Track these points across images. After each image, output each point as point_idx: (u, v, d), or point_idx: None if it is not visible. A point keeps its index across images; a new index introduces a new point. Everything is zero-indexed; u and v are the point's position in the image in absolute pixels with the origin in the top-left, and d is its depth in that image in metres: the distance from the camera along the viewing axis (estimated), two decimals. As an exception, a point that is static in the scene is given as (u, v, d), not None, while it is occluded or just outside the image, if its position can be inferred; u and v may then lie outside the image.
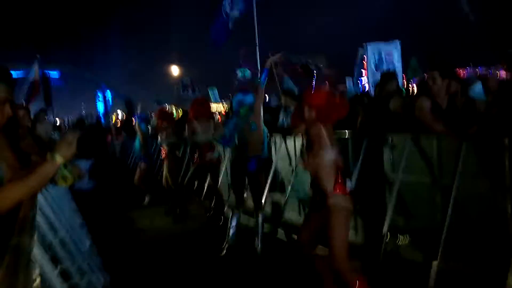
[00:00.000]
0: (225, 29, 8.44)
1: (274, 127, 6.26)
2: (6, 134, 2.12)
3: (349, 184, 2.86)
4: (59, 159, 1.60)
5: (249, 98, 4.36)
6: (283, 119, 6.12)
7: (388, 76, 4.82)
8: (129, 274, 3.89)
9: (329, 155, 2.77)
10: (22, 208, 1.57)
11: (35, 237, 1.42)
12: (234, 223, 4.39)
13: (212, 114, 5.94)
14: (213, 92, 15.48)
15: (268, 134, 4.65)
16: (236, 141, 4.37)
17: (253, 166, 4.29)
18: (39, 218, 2.77)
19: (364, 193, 3.93)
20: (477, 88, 4.48)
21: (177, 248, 4.63)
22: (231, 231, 4.38)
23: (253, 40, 9.90)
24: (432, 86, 3.76)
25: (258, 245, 4.25)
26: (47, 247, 2.56)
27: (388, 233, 3.71)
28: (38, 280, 1.72)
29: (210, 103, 6.44)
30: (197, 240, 4.86)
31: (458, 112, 3.79)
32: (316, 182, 2.84)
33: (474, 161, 3.27)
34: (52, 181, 1.71)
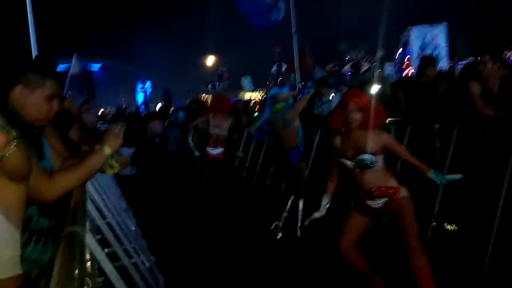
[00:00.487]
0: (265, 15, 8.35)
1: (310, 115, 6.21)
2: (56, 126, 2.22)
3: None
4: (107, 150, 1.66)
5: (284, 91, 4.42)
6: (319, 108, 6.06)
7: (427, 61, 4.65)
8: (173, 256, 4.00)
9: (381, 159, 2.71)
10: (73, 197, 1.64)
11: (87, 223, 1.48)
12: (301, 207, 4.39)
13: (229, 111, 5.88)
14: (247, 81, 15.58)
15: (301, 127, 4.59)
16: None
17: (293, 158, 4.33)
18: (87, 203, 2.90)
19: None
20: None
21: (219, 231, 4.72)
22: (300, 216, 4.35)
23: (290, 30, 9.80)
24: (483, 70, 3.58)
25: (299, 232, 4.29)
26: (95, 231, 2.69)
27: (435, 222, 3.59)
28: (88, 264, 1.80)
29: (229, 99, 6.45)
30: (238, 223, 4.92)
31: (510, 97, 3.59)
32: (369, 184, 2.71)
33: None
34: (100, 170, 1.78)
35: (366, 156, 2.65)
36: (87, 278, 0.88)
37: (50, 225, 1.57)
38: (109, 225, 3.14)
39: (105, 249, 2.87)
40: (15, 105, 1.49)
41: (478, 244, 3.14)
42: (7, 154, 1.12)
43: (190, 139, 5.90)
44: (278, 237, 4.39)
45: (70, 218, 1.29)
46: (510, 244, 3.10)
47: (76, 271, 0.75)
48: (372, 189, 2.68)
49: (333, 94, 5.93)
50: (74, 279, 0.72)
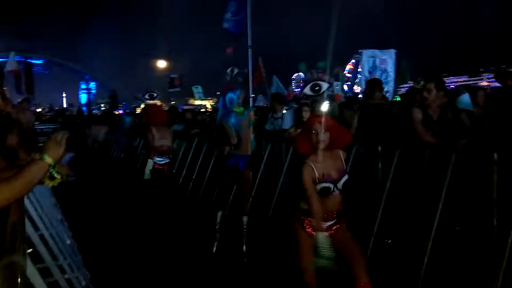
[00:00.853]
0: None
1: (261, 130, 6.24)
2: None
3: None
4: (48, 159, 1.53)
5: (237, 95, 4.29)
6: (271, 124, 6.09)
7: (375, 84, 4.80)
8: (110, 272, 3.79)
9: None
10: (10, 216, 1.48)
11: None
12: (245, 222, 4.32)
13: (166, 120, 5.68)
14: (198, 90, 15.47)
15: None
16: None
17: (241, 165, 4.24)
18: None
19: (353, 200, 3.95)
20: (465, 99, 4.55)
21: (160, 245, 4.54)
22: (218, 232, 4.34)
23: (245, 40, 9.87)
24: (427, 97, 3.79)
25: (244, 247, 4.23)
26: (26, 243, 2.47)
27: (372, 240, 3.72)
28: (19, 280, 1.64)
29: (162, 108, 6.31)
30: (181, 238, 4.76)
31: (449, 124, 3.85)
32: (331, 207, 2.71)
33: (463, 173, 3.31)
34: (39, 181, 1.63)
35: (344, 179, 2.68)
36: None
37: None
38: (41, 237, 2.92)
39: (38, 265, 2.66)
40: None
41: (414, 260, 3.29)
42: None
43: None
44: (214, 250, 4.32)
45: (9, 245, 1.14)
46: (443, 264, 3.28)
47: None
48: (329, 212, 2.69)
49: (284, 111, 6.00)
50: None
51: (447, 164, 3.37)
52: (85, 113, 23.11)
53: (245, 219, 4.32)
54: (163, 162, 5.43)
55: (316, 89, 4.86)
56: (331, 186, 2.65)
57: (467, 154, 3.35)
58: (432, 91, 3.78)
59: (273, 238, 4.60)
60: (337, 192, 2.67)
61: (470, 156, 3.36)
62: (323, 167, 2.66)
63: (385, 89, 8.04)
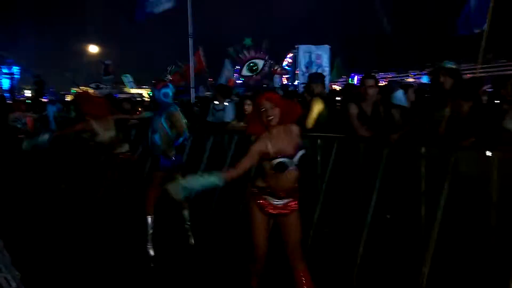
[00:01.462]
0: (145, 6, 7.97)
1: (203, 122, 6.19)
2: None
3: None
4: None
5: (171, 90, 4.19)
6: (213, 116, 6.06)
7: (316, 77, 5.01)
8: (42, 271, 3.57)
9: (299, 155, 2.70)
10: None
11: None
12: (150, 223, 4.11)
13: (108, 110, 5.13)
14: (127, 79, 14.86)
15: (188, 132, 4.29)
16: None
17: (166, 164, 4.07)
18: None
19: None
20: (399, 95, 4.87)
21: (91, 241, 4.34)
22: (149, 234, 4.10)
23: (183, 30, 9.70)
24: (366, 92, 4.00)
25: (191, 240, 4.24)
26: None
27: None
28: None
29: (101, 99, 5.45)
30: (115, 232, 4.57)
31: (380, 119, 4.11)
32: (286, 184, 2.69)
33: (395, 166, 3.57)
34: None
35: (300, 154, 2.67)
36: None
37: None
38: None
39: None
40: None
41: (350, 248, 3.50)
42: None
43: None
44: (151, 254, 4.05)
45: None
46: (377, 251, 3.52)
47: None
48: (285, 189, 2.69)
49: (226, 103, 6.01)
50: None
51: (380, 157, 3.61)
52: (7, 100, 21.20)
53: (186, 213, 4.26)
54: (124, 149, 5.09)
55: (253, 68, 4.86)
56: (287, 161, 2.63)
57: (398, 148, 3.60)
58: (373, 87, 4.00)
59: (218, 229, 4.60)
60: (293, 167, 2.66)
61: (400, 149, 3.62)
62: (277, 143, 2.63)
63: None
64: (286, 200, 2.72)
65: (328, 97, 5.21)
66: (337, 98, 6.16)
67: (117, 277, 3.59)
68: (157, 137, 4.02)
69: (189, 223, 4.28)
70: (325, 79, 7.95)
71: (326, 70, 8.26)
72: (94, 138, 4.89)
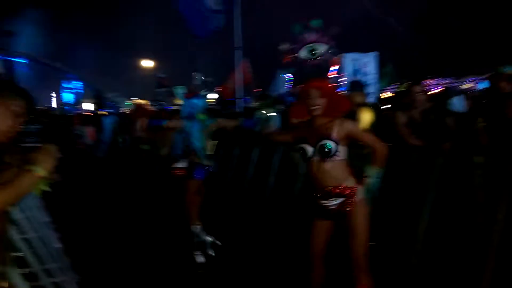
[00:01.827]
0: (205, 22, 8.32)
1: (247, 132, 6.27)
2: None
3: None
4: (41, 172, 1.52)
5: (202, 103, 4.23)
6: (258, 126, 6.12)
7: (355, 86, 4.79)
8: (98, 275, 3.76)
9: (344, 150, 2.53)
10: None
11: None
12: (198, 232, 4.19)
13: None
14: (180, 91, 15.24)
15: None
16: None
17: (198, 173, 4.11)
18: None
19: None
20: (455, 101, 4.64)
21: (148, 247, 4.52)
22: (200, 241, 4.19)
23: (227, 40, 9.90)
24: (414, 100, 3.87)
25: (201, 258, 4.08)
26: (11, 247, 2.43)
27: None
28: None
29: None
30: (168, 243, 4.70)
31: (432, 127, 3.93)
32: (326, 180, 2.53)
33: (448, 176, 3.39)
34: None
35: (329, 142, 2.48)
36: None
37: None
38: (28, 240, 2.88)
39: (23, 269, 2.62)
40: None
41: (402, 260, 3.35)
42: None
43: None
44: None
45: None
46: (431, 262, 3.36)
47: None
48: (330, 188, 2.50)
49: (273, 114, 6.05)
50: None
51: (433, 167, 3.45)
52: (69, 113, 22.75)
53: (196, 229, 4.16)
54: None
55: (313, 53, 4.79)
56: (307, 147, 2.52)
57: (452, 157, 3.43)
58: (419, 94, 3.86)
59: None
60: (335, 157, 2.49)
61: (454, 159, 3.44)
62: (313, 133, 2.53)
63: (369, 91, 8.17)
64: (338, 200, 2.50)
65: (374, 105, 5.07)
66: (384, 107, 5.98)
67: (167, 283, 3.69)
68: (193, 146, 4.09)
69: (198, 239, 4.16)
70: (371, 86, 7.79)
71: (373, 77, 8.03)
72: (158, 151, 5.19)
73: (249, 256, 4.12)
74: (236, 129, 6.81)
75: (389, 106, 6.03)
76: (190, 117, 4.12)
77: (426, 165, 3.52)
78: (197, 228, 4.13)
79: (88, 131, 13.31)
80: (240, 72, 9.82)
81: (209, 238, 4.18)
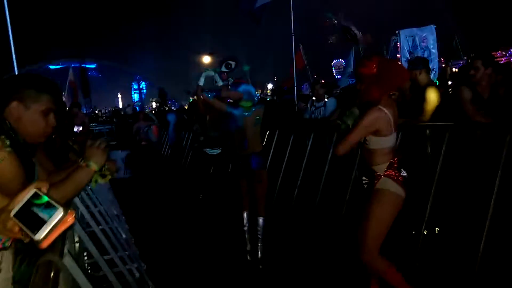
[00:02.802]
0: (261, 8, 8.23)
1: (300, 120, 6.20)
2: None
3: (404, 173, 2.59)
4: (93, 166, 1.64)
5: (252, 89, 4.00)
6: (312, 114, 6.00)
7: (417, 63, 4.37)
8: (163, 264, 3.98)
9: (392, 136, 2.52)
10: None
11: (67, 246, 1.41)
12: (246, 224, 4.04)
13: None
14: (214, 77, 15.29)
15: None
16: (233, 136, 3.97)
17: (255, 163, 3.87)
18: (82, 209, 2.89)
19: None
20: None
21: (208, 240, 4.69)
22: (247, 235, 4.04)
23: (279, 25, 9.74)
24: (475, 75, 3.59)
25: (259, 252, 3.94)
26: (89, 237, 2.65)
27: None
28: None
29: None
30: (228, 236, 4.71)
31: (500, 103, 3.61)
32: (364, 160, 2.63)
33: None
34: (88, 183, 1.76)
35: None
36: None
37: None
38: (103, 231, 3.13)
39: (90, 259, 2.86)
40: (11, 122, 1.45)
41: (469, 247, 3.14)
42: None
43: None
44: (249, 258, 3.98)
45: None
46: (501, 246, 3.12)
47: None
48: (365, 166, 2.60)
49: (326, 99, 5.91)
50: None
51: (502, 144, 3.17)
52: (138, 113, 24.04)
53: (260, 221, 3.96)
54: (215, 153, 5.49)
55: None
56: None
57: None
58: (480, 69, 3.56)
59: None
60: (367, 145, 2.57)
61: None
62: (393, 114, 2.47)
63: (430, 67, 7.58)
64: (365, 180, 2.65)
65: (440, 83, 4.73)
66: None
67: (226, 273, 3.76)
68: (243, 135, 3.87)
69: (260, 233, 3.97)
70: (432, 62, 7.28)
71: (433, 52, 7.49)
72: (208, 132, 5.34)
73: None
74: (292, 117, 6.78)
75: (455, 82, 5.63)
76: (235, 104, 3.93)
77: (493, 144, 3.24)
78: (246, 216, 4.04)
79: (154, 128, 13.98)
80: (297, 59, 9.65)
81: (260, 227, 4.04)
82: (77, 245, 2.47)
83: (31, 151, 1.56)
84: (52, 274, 0.89)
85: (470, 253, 3.07)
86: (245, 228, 4.04)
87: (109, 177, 1.93)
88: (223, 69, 4.42)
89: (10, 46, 5.58)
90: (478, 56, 3.69)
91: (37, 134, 1.54)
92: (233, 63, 4.46)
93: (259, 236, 3.93)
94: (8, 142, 1.15)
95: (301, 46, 10.16)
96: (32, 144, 1.55)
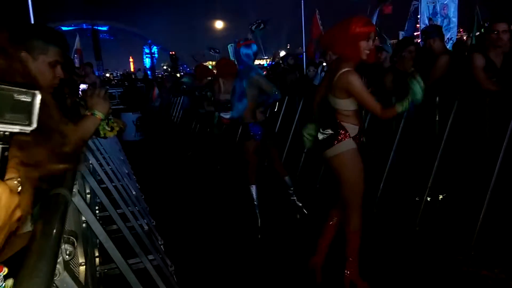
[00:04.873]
0: None
1: (309, 86, 6.16)
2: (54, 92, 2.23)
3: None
4: (98, 114, 1.70)
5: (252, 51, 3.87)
6: (320, 77, 5.94)
7: (431, 32, 4.22)
8: (172, 221, 4.14)
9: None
10: None
11: (77, 186, 1.48)
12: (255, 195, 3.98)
13: (234, 73, 5.52)
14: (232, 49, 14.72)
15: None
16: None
17: (257, 131, 3.85)
18: (95, 163, 2.99)
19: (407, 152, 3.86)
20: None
21: (217, 201, 4.82)
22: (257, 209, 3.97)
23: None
24: (495, 38, 3.48)
25: (299, 205, 4.10)
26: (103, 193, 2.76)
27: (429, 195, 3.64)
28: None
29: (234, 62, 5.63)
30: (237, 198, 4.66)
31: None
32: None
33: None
34: (97, 134, 1.82)
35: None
36: (68, 237, 0.93)
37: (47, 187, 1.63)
38: (115, 187, 3.25)
39: (102, 213, 2.99)
40: None
41: (470, 215, 3.20)
42: None
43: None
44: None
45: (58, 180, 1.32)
46: (500, 217, 3.17)
47: (54, 231, 0.80)
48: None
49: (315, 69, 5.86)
50: (50, 238, 0.77)
51: (510, 113, 3.15)
52: (150, 77, 24.12)
53: (287, 179, 4.08)
54: (228, 116, 5.43)
55: None
56: None
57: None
58: (506, 33, 3.44)
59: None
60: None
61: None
62: None
63: (448, 36, 7.35)
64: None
65: (456, 51, 4.58)
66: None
67: (227, 246, 3.66)
68: (242, 105, 3.79)
69: (292, 189, 4.12)
70: (452, 31, 7.11)
71: (453, 21, 7.27)
72: (218, 96, 5.36)
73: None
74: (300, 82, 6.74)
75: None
76: (245, 68, 3.82)
77: (502, 113, 3.22)
78: (253, 189, 3.95)
79: (153, 93, 14.09)
80: (312, 26, 9.39)
81: (298, 203, 4.15)
82: (88, 196, 2.58)
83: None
84: (61, 207, 0.95)
85: (470, 221, 3.13)
86: (255, 203, 3.93)
87: (117, 129, 2.00)
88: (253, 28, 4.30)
89: (29, 8, 5.67)
90: (501, 18, 3.54)
91: (45, 85, 1.56)
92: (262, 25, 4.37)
93: (291, 192, 4.09)
94: None
95: (317, 11, 9.71)
96: None
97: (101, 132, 1.86)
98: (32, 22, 5.75)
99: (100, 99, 1.73)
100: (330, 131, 2.61)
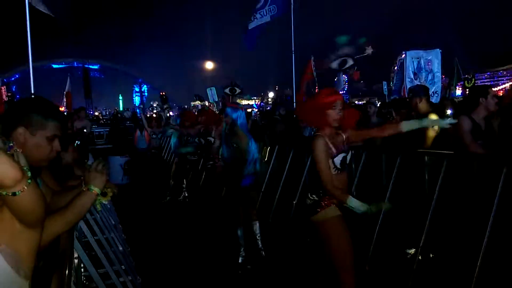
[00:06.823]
0: (257, 33, 8.52)
1: (298, 138, 6.25)
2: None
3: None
4: (95, 189, 1.68)
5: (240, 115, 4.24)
6: (311, 131, 6.04)
7: (418, 91, 4.38)
8: (159, 278, 4.00)
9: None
10: (61, 241, 1.63)
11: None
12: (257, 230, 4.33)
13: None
14: (211, 93, 14.85)
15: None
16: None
17: (247, 181, 4.18)
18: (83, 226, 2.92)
19: (396, 210, 3.88)
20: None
21: (209, 251, 4.70)
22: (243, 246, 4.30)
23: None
24: (487, 105, 3.64)
25: (261, 250, 4.30)
26: (85, 247, 2.68)
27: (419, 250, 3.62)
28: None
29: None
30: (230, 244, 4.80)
31: (495, 134, 3.67)
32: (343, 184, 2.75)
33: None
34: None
35: (349, 155, 2.73)
36: None
37: (38, 266, 1.58)
38: (99, 242, 3.15)
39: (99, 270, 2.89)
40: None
41: (462, 275, 3.18)
42: (18, 192, 1.06)
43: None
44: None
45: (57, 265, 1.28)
46: (494, 278, 3.16)
47: None
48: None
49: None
50: None
51: (498, 176, 3.21)
52: (138, 116, 24.06)
53: (256, 225, 4.30)
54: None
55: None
56: (346, 155, 2.69)
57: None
58: (493, 99, 3.61)
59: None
60: (346, 168, 2.71)
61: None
62: (333, 142, 2.66)
63: (432, 90, 7.66)
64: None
65: (439, 110, 4.73)
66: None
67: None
68: (228, 154, 4.18)
69: (259, 236, 4.32)
70: (437, 85, 7.39)
71: (437, 75, 7.61)
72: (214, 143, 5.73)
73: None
74: (292, 133, 6.82)
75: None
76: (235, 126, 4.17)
77: (490, 175, 3.29)
78: (240, 231, 4.27)
79: (145, 135, 13.94)
80: (306, 71, 9.56)
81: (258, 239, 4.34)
82: (76, 260, 2.49)
83: (36, 171, 1.58)
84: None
85: (463, 281, 3.10)
86: (241, 242, 4.24)
87: (110, 194, 1.97)
88: (227, 91, 4.60)
89: (28, 45, 5.88)
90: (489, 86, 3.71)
91: (42, 158, 1.57)
92: (238, 90, 4.65)
93: (258, 238, 4.29)
94: (29, 175, 1.14)
95: (313, 57, 9.90)
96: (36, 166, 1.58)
97: (98, 205, 1.83)
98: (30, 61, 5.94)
99: (97, 174, 1.71)
100: (315, 197, 2.64)
